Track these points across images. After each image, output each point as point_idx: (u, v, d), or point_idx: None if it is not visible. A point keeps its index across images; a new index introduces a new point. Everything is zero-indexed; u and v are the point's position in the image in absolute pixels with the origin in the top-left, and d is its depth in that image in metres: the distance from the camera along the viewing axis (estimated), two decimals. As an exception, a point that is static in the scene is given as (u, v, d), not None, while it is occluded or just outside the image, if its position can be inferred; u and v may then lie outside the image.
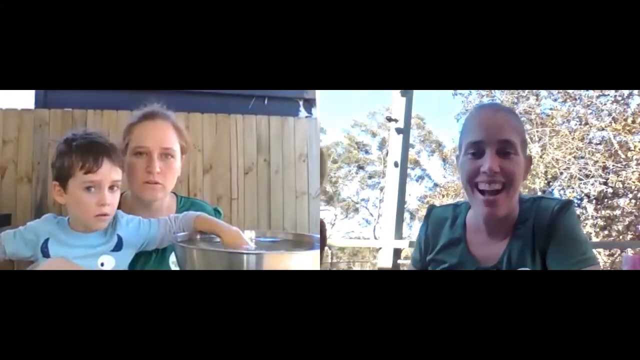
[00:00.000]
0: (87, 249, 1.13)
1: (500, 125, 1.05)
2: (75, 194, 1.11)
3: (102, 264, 1.14)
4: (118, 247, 1.16)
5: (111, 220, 1.16)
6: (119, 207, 1.20)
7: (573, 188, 8.08)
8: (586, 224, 7.95)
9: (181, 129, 1.37)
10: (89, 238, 1.14)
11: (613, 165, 7.79)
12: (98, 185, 1.11)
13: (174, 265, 1.29)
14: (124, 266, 1.18)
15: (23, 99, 2.36)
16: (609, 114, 7.87)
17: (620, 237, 8.01)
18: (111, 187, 1.13)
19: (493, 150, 1.03)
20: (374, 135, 13.07)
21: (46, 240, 1.12)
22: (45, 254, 1.11)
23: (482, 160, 1.04)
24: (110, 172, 1.12)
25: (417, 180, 12.67)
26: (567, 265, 1.00)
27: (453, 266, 1.14)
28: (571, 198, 7.74)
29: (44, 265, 1.09)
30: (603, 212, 8.11)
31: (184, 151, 1.38)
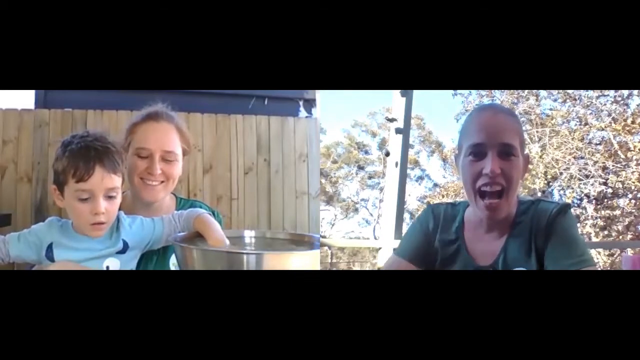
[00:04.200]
0: (92, 252, 1.12)
1: (502, 128, 1.06)
2: (69, 201, 1.08)
3: (107, 267, 1.13)
4: (123, 250, 1.15)
5: (114, 224, 1.15)
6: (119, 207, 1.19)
7: (573, 188, 8.08)
8: (586, 224, 7.95)
9: (184, 132, 1.36)
10: (93, 241, 1.12)
11: (613, 166, 7.79)
12: (91, 194, 1.06)
13: (174, 267, 1.29)
14: (129, 268, 1.17)
15: (23, 99, 2.36)
16: (609, 115, 7.87)
17: (620, 237, 8.01)
18: (109, 195, 1.08)
19: (494, 152, 1.05)
20: (374, 135, 13.07)
21: (50, 245, 1.10)
22: (50, 259, 1.10)
23: (483, 162, 1.06)
24: (102, 180, 1.06)
25: (416, 181, 12.67)
26: (564, 266, 1.01)
27: (450, 263, 1.15)
28: (570, 200, 7.75)
29: (52, 267, 1.07)
30: (603, 212, 8.11)
31: (186, 153, 1.38)
